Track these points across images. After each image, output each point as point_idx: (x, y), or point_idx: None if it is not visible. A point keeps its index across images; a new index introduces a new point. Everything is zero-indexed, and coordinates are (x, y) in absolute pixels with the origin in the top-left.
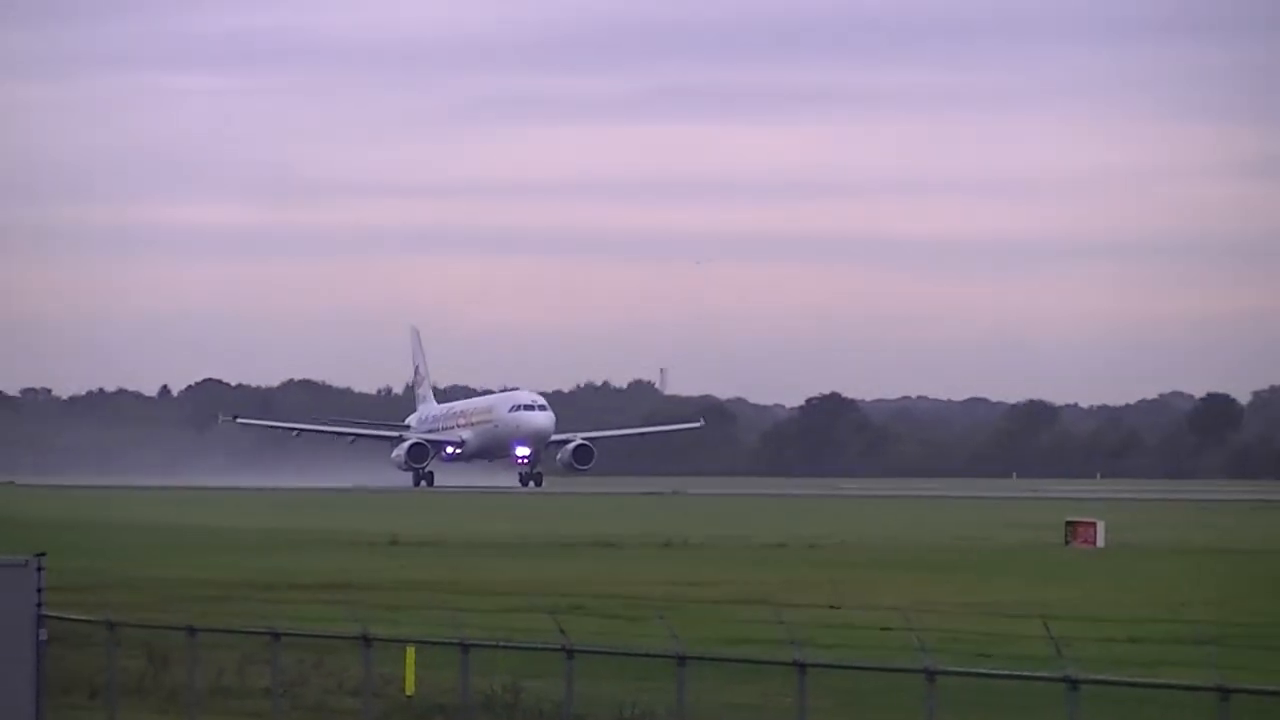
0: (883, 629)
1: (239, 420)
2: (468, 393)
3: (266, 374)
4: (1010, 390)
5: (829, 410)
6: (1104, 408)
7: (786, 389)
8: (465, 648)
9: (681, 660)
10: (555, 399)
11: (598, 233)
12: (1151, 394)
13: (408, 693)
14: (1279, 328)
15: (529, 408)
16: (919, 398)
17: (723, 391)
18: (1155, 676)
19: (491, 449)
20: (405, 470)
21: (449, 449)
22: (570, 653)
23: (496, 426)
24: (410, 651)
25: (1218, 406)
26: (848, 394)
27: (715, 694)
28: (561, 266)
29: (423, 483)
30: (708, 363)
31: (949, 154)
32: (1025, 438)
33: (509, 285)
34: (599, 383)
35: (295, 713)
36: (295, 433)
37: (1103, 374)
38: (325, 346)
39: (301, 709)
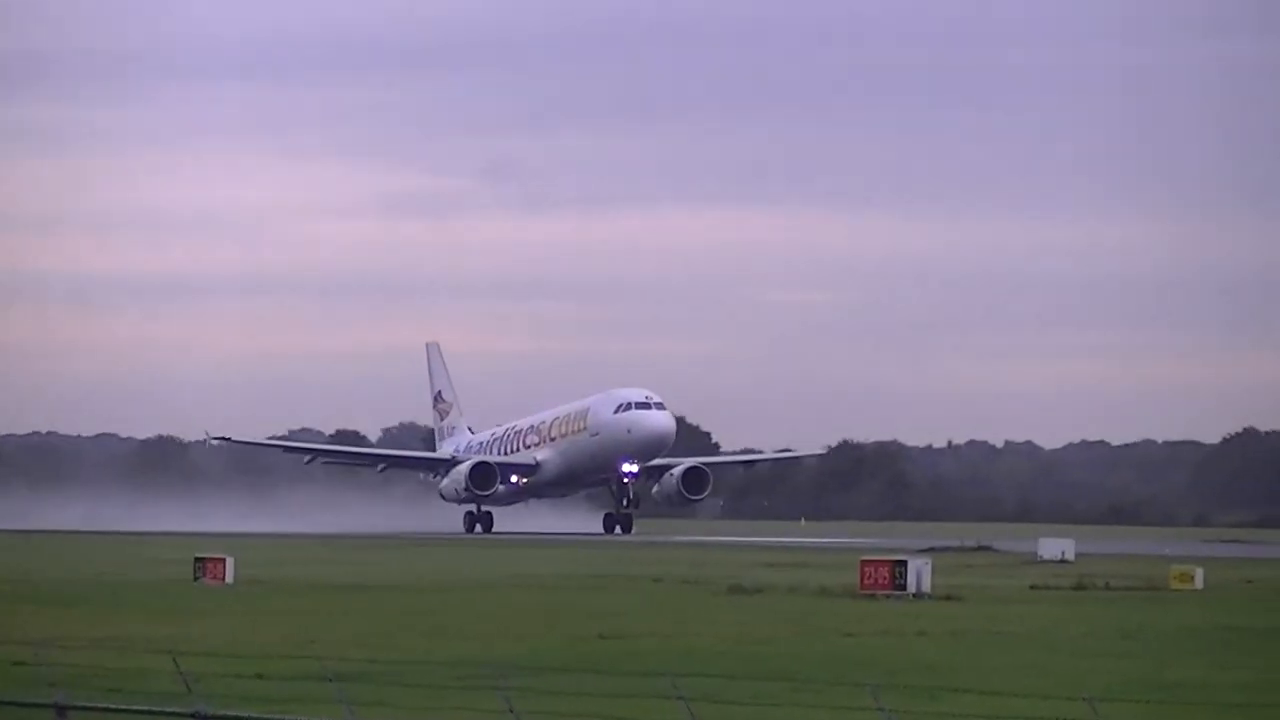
0: (15, 663)
1: (228, 440)
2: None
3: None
4: (141, 426)
5: None
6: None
7: None
8: None
9: None
10: None
11: None
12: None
13: None
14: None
15: (644, 406)
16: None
17: None
18: (283, 713)
19: (580, 473)
20: (461, 503)
21: (513, 478)
22: None
23: (596, 436)
24: None
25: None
26: None
27: None
28: None
29: (478, 526)
30: None
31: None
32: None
33: None
34: None
35: None
36: (308, 458)
37: (235, 410)
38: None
39: None
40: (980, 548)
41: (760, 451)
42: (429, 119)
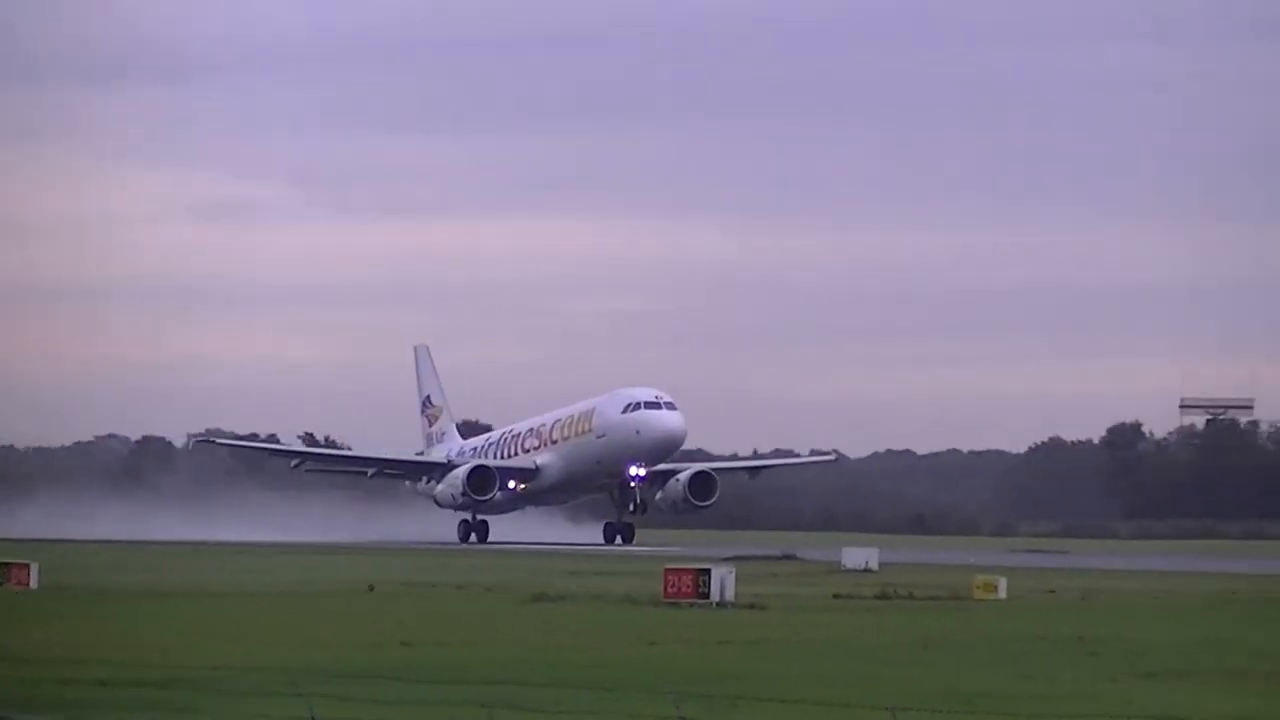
0: None
1: (215, 441)
2: None
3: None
4: None
5: None
6: None
7: None
8: None
9: None
10: None
11: None
12: None
13: None
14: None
15: (654, 405)
16: None
17: None
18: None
19: (582, 478)
20: (458, 509)
21: (511, 483)
22: None
23: (602, 438)
24: None
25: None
26: None
27: None
28: None
29: (473, 535)
30: None
31: None
32: None
33: None
34: None
35: None
36: (295, 461)
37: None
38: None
39: None
40: (785, 557)
41: (762, 456)
42: (238, 123)
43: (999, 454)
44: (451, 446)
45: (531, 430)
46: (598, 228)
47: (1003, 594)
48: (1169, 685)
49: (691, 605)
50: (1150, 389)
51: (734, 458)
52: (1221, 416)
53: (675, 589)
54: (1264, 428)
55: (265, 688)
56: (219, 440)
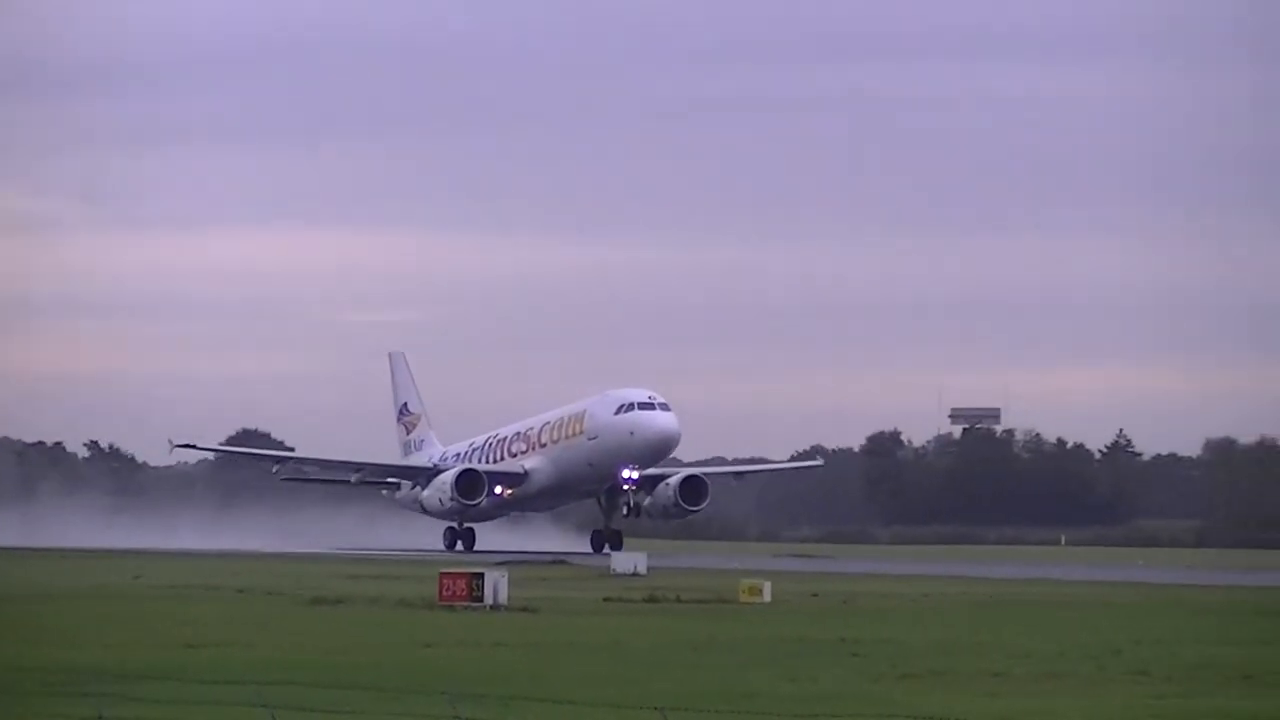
0: None
1: (190, 446)
2: None
3: None
4: None
5: None
6: None
7: None
8: None
9: None
10: None
11: None
12: None
13: None
14: None
15: (647, 406)
16: None
17: None
18: None
19: (572, 482)
20: (446, 515)
21: (498, 488)
22: None
23: (594, 440)
24: None
25: None
26: None
27: None
28: None
29: (459, 543)
30: None
31: None
32: None
33: None
34: None
35: None
36: (275, 466)
37: None
38: None
39: None
40: (556, 561)
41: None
42: (22, 138)
43: (763, 462)
44: (432, 453)
45: (518, 434)
46: (369, 241)
47: (767, 598)
48: (928, 685)
49: (466, 608)
50: (914, 400)
51: (718, 461)
52: (979, 425)
53: (450, 592)
54: (1020, 436)
55: (52, 688)
56: (200, 446)
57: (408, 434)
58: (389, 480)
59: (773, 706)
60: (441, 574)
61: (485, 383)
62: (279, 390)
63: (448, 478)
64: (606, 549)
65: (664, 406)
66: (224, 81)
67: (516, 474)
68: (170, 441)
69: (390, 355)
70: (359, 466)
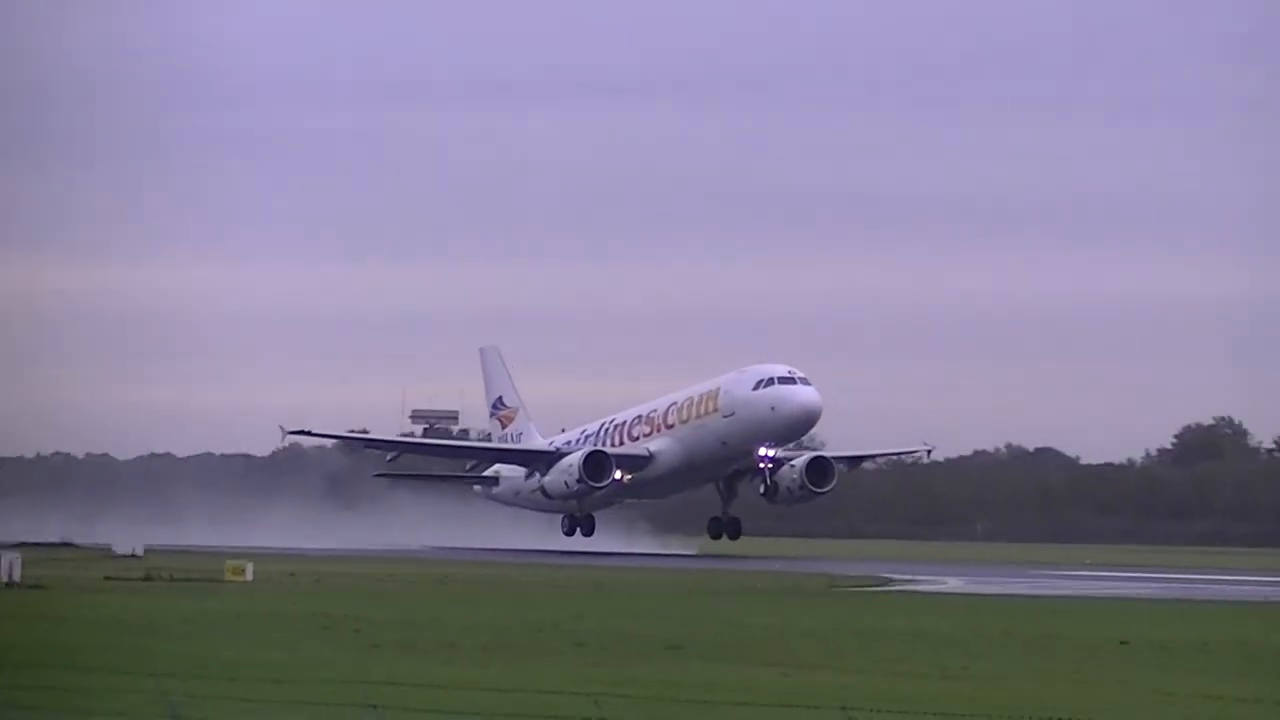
0: None
1: (311, 433)
2: None
3: None
4: None
5: None
6: None
7: None
8: None
9: None
10: None
11: None
12: None
13: None
14: None
15: (788, 380)
16: None
17: None
18: None
19: (700, 464)
20: (567, 499)
21: (618, 473)
22: None
23: (730, 417)
24: None
25: None
26: None
27: None
28: None
29: (579, 530)
30: None
31: None
32: None
33: None
34: None
35: None
36: (391, 455)
37: None
38: None
39: None
40: (64, 544)
41: None
42: None
43: (246, 457)
44: (533, 445)
45: (639, 417)
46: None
47: (250, 577)
48: (393, 655)
49: None
50: (378, 400)
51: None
52: (437, 425)
53: None
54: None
55: None
56: (314, 432)
57: (504, 428)
58: (484, 476)
59: (257, 674)
60: None
61: None
62: None
63: (574, 459)
64: (724, 536)
65: (804, 381)
66: None
67: (641, 456)
68: (282, 428)
69: (482, 350)
70: (479, 451)
